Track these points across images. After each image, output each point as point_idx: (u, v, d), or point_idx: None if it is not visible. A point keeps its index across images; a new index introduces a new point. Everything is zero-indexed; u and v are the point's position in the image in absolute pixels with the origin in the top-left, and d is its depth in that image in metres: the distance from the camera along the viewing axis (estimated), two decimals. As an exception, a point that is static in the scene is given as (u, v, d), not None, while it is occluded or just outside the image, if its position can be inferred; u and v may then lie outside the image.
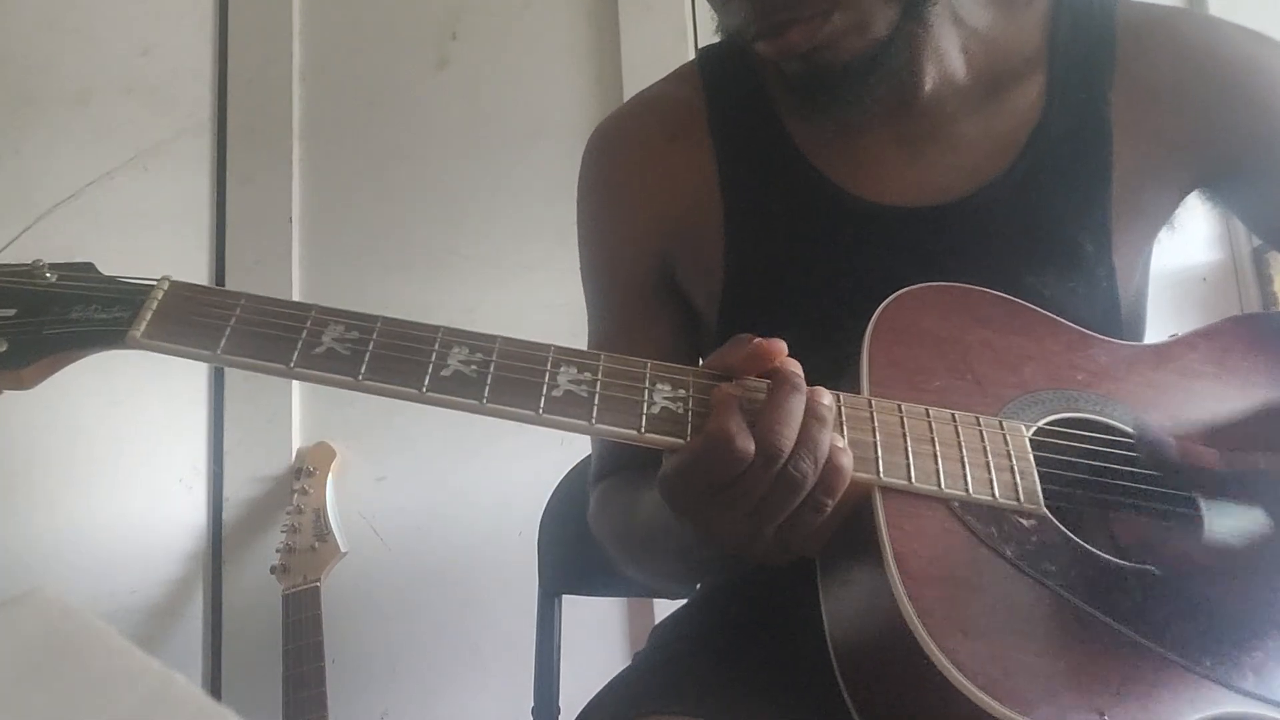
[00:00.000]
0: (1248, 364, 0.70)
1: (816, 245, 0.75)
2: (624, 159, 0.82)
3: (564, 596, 1.14)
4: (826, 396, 0.55)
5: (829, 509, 0.54)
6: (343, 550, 1.56)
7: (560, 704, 1.10)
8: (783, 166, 0.76)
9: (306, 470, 1.64)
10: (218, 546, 1.71)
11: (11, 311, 0.52)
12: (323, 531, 1.56)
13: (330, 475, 1.65)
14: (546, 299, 1.68)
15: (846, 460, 0.54)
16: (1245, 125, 0.73)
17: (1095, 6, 0.76)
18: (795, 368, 0.55)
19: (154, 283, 0.54)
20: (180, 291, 0.54)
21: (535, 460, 1.38)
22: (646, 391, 0.55)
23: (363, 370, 0.52)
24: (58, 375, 0.52)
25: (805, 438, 0.52)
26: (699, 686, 0.67)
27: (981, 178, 0.73)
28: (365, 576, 1.65)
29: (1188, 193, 0.76)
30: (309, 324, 0.53)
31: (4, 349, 0.51)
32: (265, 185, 1.83)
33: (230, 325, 0.53)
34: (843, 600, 0.59)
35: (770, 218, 0.76)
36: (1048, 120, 0.74)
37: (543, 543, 1.14)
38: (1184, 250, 1.65)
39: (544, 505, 1.15)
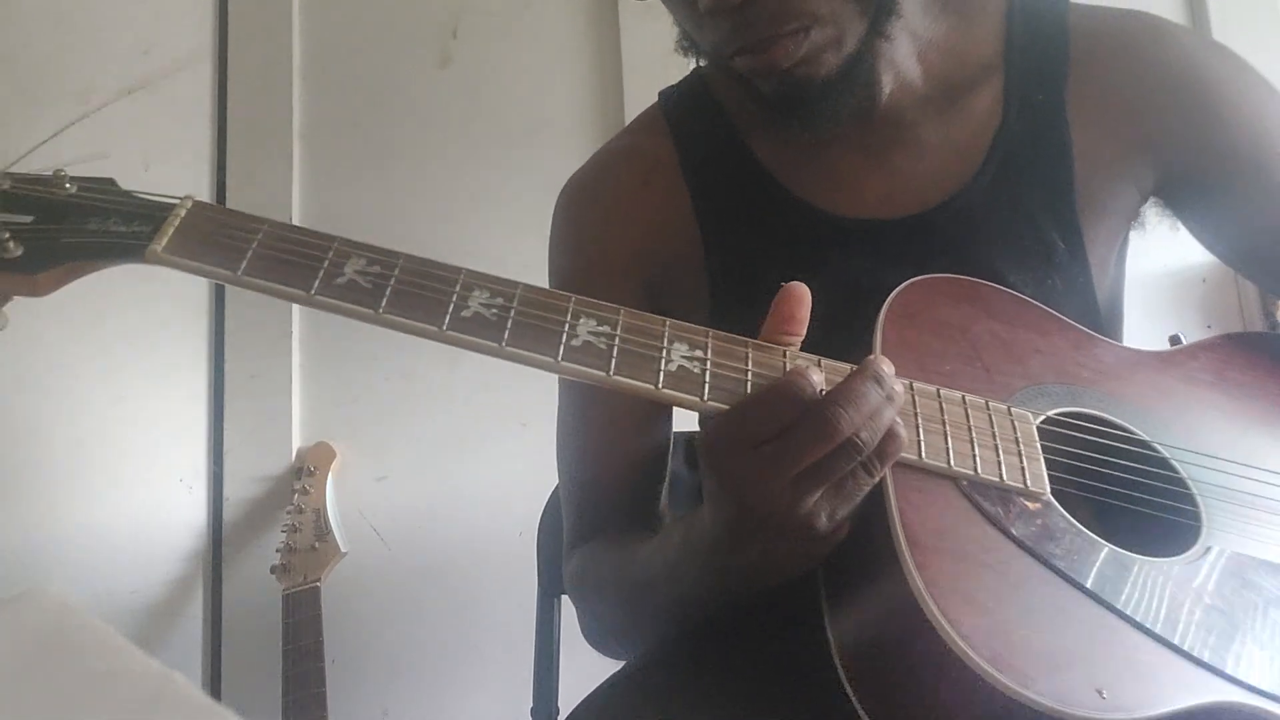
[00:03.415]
0: (1246, 378, 0.72)
1: (796, 265, 0.74)
2: (598, 207, 0.82)
3: (564, 596, 1.14)
4: (900, 385, 0.54)
5: (877, 475, 0.53)
6: (343, 550, 1.56)
7: (560, 704, 1.10)
8: (755, 192, 0.77)
9: (306, 470, 1.64)
10: (218, 546, 1.71)
11: (29, 219, 0.51)
12: (323, 531, 1.56)
13: (330, 475, 1.65)
14: (546, 299, 1.67)
15: (903, 432, 0.54)
16: (1198, 133, 0.74)
17: (1047, 12, 0.77)
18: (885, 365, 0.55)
19: (177, 200, 0.53)
20: (203, 211, 0.53)
21: (535, 460, 1.37)
22: (665, 350, 0.54)
23: (383, 303, 0.51)
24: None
25: (871, 412, 0.52)
26: (690, 690, 0.67)
27: (952, 184, 0.74)
28: (365, 576, 1.65)
29: (1148, 193, 0.77)
30: (331, 254, 0.53)
31: (19, 254, 0.50)
32: (265, 185, 1.82)
33: (253, 248, 0.52)
34: (845, 573, 0.59)
35: (748, 243, 0.77)
36: (1008, 123, 0.75)
37: (542, 543, 1.14)
38: (1184, 250, 1.64)
39: (544, 505, 1.15)
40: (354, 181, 1.84)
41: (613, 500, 0.80)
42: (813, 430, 0.51)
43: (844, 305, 0.69)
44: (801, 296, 0.56)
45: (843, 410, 0.51)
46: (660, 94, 0.86)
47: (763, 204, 0.76)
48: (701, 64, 0.80)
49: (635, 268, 0.79)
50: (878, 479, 0.54)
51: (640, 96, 1.72)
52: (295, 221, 1.81)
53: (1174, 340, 1.37)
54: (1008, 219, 0.73)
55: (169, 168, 1.81)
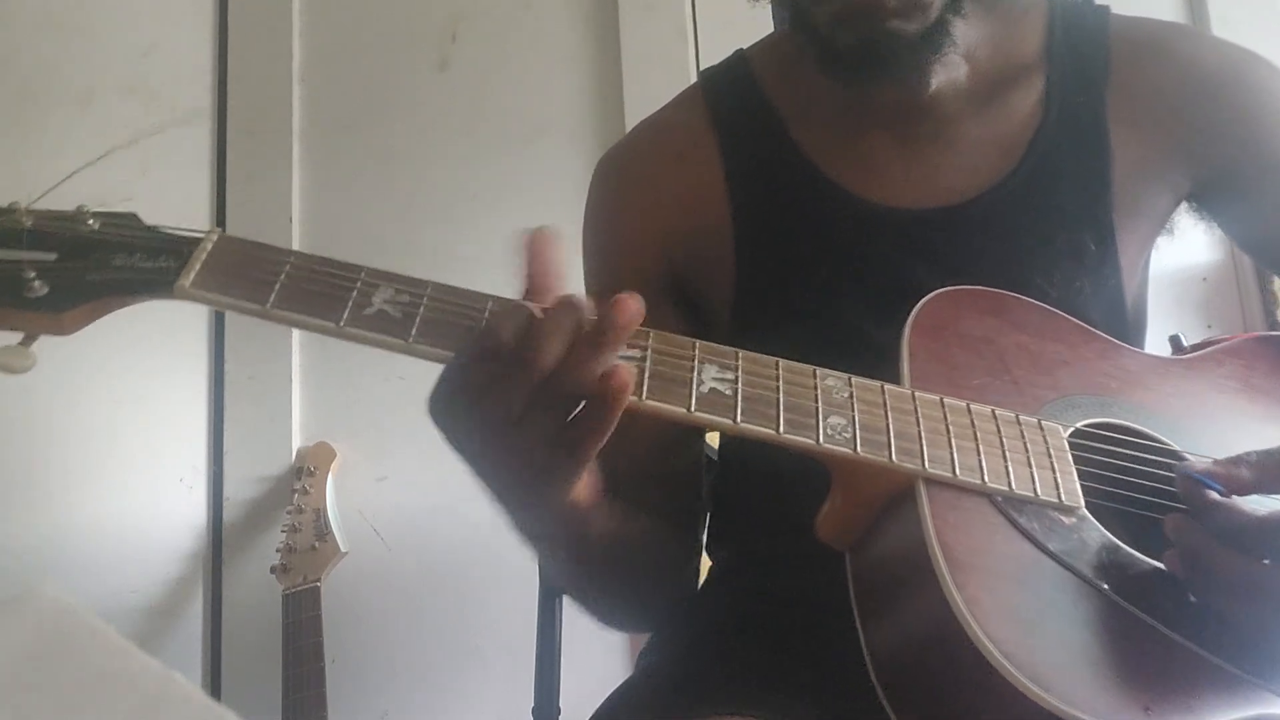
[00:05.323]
0: (1270, 383, 0.72)
1: (826, 248, 0.76)
2: (631, 178, 0.83)
3: (565, 596, 1.14)
4: (616, 314, 0.51)
5: (603, 422, 0.51)
6: (343, 550, 1.56)
7: (560, 704, 1.10)
8: (790, 174, 0.77)
9: (307, 470, 1.64)
10: (218, 546, 1.71)
11: (52, 256, 0.51)
12: (323, 531, 1.56)
13: (330, 475, 1.65)
14: (547, 299, 1.67)
15: (623, 377, 0.50)
16: (1233, 136, 0.75)
17: (1089, 18, 0.79)
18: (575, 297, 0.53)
19: (202, 234, 0.53)
20: (229, 245, 0.53)
21: (535, 460, 1.37)
22: (696, 372, 0.55)
23: (414, 333, 0.52)
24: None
25: (572, 354, 0.50)
26: (714, 687, 0.67)
27: (987, 179, 0.75)
28: (365, 576, 1.65)
29: (1183, 197, 0.78)
30: (359, 285, 0.52)
31: (45, 292, 0.49)
32: (265, 185, 1.83)
33: (280, 281, 0.52)
34: (879, 588, 0.58)
35: (779, 224, 0.77)
36: (1048, 123, 0.76)
37: (543, 543, 1.14)
38: (1184, 250, 1.64)
39: (544, 505, 1.14)
40: (353, 184, 1.84)
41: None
42: (502, 377, 0.50)
43: (864, 292, 0.70)
44: (544, 244, 0.54)
45: (529, 352, 0.50)
46: (700, 73, 0.87)
47: (796, 185, 0.77)
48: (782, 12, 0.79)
49: (663, 241, 0.80)
50: (607, 424, 0.51)
51: (640, 98, 1.72)
52: (295, 224, 1.81)
53: (1174, 339, 1.36)
54: (1040, 218, 0.74)
55: (168, 171, 1.81)
